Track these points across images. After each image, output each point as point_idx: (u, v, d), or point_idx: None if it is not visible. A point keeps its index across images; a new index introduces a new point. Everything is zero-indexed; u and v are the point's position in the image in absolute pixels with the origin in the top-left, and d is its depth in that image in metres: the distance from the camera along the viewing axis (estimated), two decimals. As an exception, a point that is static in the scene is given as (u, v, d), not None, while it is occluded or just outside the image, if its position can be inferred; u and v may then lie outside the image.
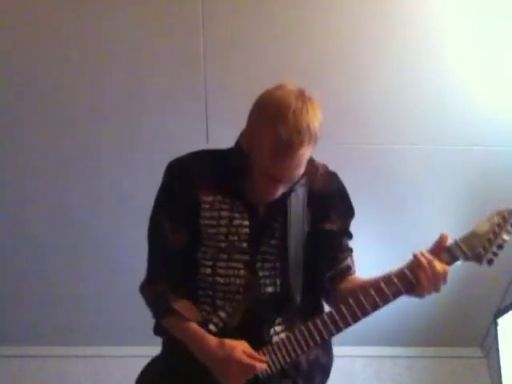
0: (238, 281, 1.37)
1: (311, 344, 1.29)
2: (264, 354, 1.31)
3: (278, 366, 1.29)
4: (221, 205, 1.39)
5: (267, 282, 1.38)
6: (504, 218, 1.39)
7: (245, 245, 1.37)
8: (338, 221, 1.47)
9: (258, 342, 1.32)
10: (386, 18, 2.30)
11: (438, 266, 1.28)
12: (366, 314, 1.31)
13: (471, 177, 2.70)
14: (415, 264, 1.30)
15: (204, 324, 1.39)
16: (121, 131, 2.61)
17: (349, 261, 1.50)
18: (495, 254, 1.37)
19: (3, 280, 3.07)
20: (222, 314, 1.38)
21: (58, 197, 2.81)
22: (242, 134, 1.40)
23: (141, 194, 2.77)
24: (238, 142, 1.43)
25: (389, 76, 2.42)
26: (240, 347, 1.28)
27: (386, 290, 1.30)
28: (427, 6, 2.26)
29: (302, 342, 1.29)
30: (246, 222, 1.38)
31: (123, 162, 2.70)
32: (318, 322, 1.30)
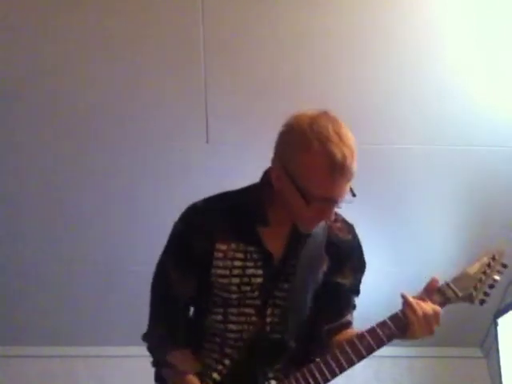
0: (250, 327, 1.35)
1: None
2: None
3: None
4: (235, 253, 1.35)
5: (276, 328, 1.37)
6: (494, 258, 1.41)
7: (256, 293, 1.35)
8: (350, 276, 1.46)
9: None
10: (385, 18, 2.29)
11: (428, 306, 1.29)
12: (360, 357, 1.31)
13: (471, 177, 2.70)
14: (405, 304, 1.31)
15: (206, 372, 1.38)
16: (120, 131, 2.60)
17: (349, 317, 1.49)
18: (487, 295, 1.39)
19: (3, 280, 3.07)
20: (227, 362, 1.37)
21: (58, 197, 2.81)
22: (270, 172, 1.33)
23: (141, 195, 2.79)
24: (262, 180, 1.39)
25: (389, 76, 2.41)
26: None
27: (380, 333, 1.30)
28: (427, 6, 2.26)
29: None
30: (260, 272, 1.34)
31: (123, 162, 2.70)
32: (314, 369, 1.29)
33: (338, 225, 1.44)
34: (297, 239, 1.36)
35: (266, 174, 1.36)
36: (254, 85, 2.41)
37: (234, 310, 1.36)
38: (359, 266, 1.49)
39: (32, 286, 3.08)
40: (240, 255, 1.34)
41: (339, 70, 2.44)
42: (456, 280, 1.37)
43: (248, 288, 1.34)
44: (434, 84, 2.45)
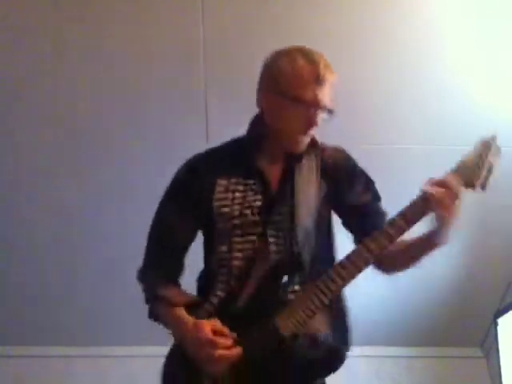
0: (251, 252, 1.38)
1: (329, 291, 1.27)
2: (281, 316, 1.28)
3: (294, 326, 1.26)
4: (235, 186, 1.43)
5: (281, 249, 1.38)
6: (488, 143, 1.41)
7: (257, 217, 1.39)
8: (368, 191, 1.56)
9: (274, 306, 1.30)
10: (385, 18, 2.30)
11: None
12: (382, 247, 1.30)
13: (471, 177, 2.70)
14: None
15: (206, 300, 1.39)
16: (120, 131, 2.61)
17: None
18: (486, 178, 1.36)
19: (3, 280, 3.07)
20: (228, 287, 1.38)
21: (58, 197, 2.81)
22: (259, 100, 1.49)
23: (141, 192, 2.79)
24: (251, 125, 1.53)
25: (389, 76, 2.42)
26: (208, 326, 1.26)
27: (400, 222, 1.34)
28: (427, 6, 2.26)
29: (322, 288, 1.28)
30: (259, 197, 1.41)
31: (122, 162, 2.70)
32: (337, 265, 1.31)
33: (329, 151, 1.53)
34: (290, 167, 1.45)
35: (255, 117, 1.51)
36: (254, 85, 2.41)
37: (237, 239, 1.39)
38: (369, 181, 1.59)
39: (32, 286, 3.08)
40: (240, 187, 1.43)
41: (339, 70, 2.44)
42: (454, 170, 1.38)
43: (248, 211, 1.39)
44: (433, 84, 2.45)
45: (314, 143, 1.49)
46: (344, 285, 1.29)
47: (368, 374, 3.18)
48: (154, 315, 1.48)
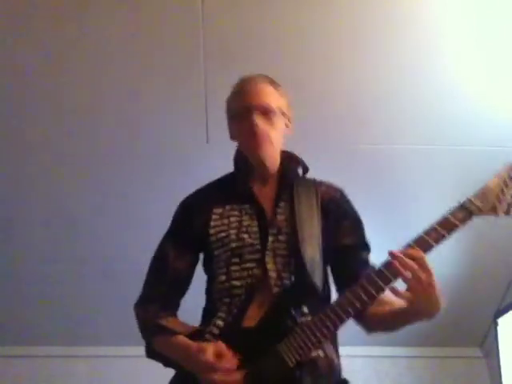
0: (253, 280, 1.35)
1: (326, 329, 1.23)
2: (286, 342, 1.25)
3: (296, 354, 1.22)
4: (230, 212, 1.44)
5: (282, 275, 1.35)
6: None
7: (256, 241, 1.38)
8: (352, 234, 1.49)
9: (283, 334, 1.26)
10: (385, 18, 2.29)
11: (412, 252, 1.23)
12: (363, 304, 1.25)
13: (471, 177, 2.69)
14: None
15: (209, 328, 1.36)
16: (120, 131, 2.61)
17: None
18: (510, 205, 1.35)
19: (3, 280, 3.07)
20: (233, 311, 1.36)
21: (58, 197, 2.81)
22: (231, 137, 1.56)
23: (141, 195, 2.79)
24: (236, 149, 1.56)
25: (389, 76, 2.42)
26: (211, 349, 1.23)
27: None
28: (427, 7, 2.26)
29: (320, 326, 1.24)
30: (255, 222, 1.40)
31: (122, 162, 2.70)
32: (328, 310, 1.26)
33: (323, 188, 1.51)
34: (283, 191, 1.46)
35: (236, 149, 1.56)
36: (254, 85, 2.41)
37: (235, 267, 1.38)
38: (357, 223, 1.52)
39: (32, 286, 3.08)
40: (235, 213, 1.44)
41: (339, 70, 2.44)
42: (477, 194, 1.35)
43: (246, 235, 1.39)
44: (434, 84, 2.45)
45: (292, 159, 1.53)
46: (346, 318, 1.24)
47: (368, 373, 3.18)
48: (152, 351, 1.46)
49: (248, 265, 1.37)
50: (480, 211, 1.33)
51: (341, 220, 1.48)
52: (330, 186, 1.54)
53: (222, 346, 1.25)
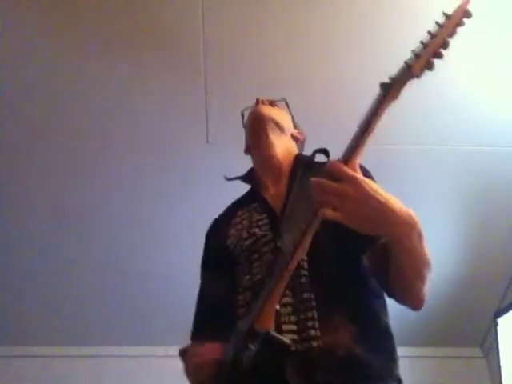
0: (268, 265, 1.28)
1: None
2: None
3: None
4: (242, 216, 1.43)
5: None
6: (448, 16, 1.10)
7: (267, 232, 1.33)
8: None
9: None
10: (386, 19, 2.30)
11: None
12: None
13: (472, 177, 2.70)
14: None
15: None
16: (121, 132, 2.61)
17: None
18: (439, 55, 1.08)
19: (3, 280, 3.07)
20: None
21: (59, 198, 2.81)
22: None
23: (141, 195, 2.79)
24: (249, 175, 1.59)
25: (389, 76, 2.41)
26: (205, 350, 1.21)
27: None
28: (428, 7, 2.26)
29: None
30: (264, 215, 1.38)
31: (123, 162, 2.70)
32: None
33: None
34: (293, 186, 1.40)
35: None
36: (254, 85, 2.41)
37: (256, 264, 1.32)
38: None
39: (32, 286, 3.08)
40: (246, 215, 1.42)
41: (339, 70, 2.44)
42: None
43: (257, 229, 1.35)
44: (434, 84, 2.44)
45: (305, 157, 1.51)
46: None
47: (368, 374, 3.18)
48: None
49: (266, 257, 1.30)
50: (394, 82, 1.13)
51: None
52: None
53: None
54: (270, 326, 1.08)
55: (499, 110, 2.51)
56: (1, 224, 2.90)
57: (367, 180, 1.00)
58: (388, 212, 1.01)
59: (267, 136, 1.50)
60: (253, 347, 1.07)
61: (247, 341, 1.09)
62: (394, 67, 1.08)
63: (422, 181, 2.73)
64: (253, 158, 1.60)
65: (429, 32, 1.09)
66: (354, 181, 0.98)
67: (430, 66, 1.10)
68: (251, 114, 1.58)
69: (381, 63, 2.39)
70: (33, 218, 2.88)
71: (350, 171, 0.99)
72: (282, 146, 1.51)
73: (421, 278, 1.17)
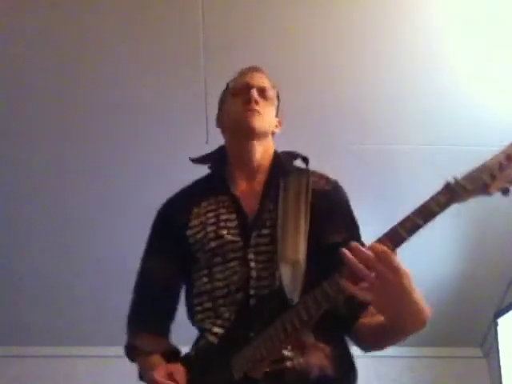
0: (235, 278, 1.24)
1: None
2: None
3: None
4: (207, 208, 1.35)
5: (263, 275, 1.22)
6: None
7: (236, 238, 1.27)
8: (343, 231, 1.31)
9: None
10: (386, 19, 2.30)
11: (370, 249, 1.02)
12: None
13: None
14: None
15: (208, 332, 1.25)
16: (121, 132, 2.60)
17: None
18: (506, 188, 1.06)
19: (3, 280, 3.07)
20: (227, 315, 1.24)
21: (59, 197, 2.81)
22: (217, 120, 1.63)
23: (141, 195, 2.79)
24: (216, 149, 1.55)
25: (390, 77, 2.42)
26: (163, 369, 1.19)
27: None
28: (428, 7, 2.26)
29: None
30: (234, 216, 1.31)
31: (124, 162, 2.70)
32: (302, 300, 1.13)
33: (316, 179, 1.39)
34: (270, 188, 1.36)
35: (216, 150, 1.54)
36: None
37: (218, 268, 1.27)
38: (350, 221, 1.37)
39: (32, 286, 3.08)
40: (212, 207, 1.35)
41: (339, 70, 2.44)
42: (467, 174, 1.13)
43: (225, 231, 1.28)
44: (435, 84, 2.45)
45: (287, 154, 1.46)
46: (306, 323, 1.08)
47: (368, 373, 3.17)
48: (139, 373, 1.42)
49: (231, 264, 1.26)
50: (466, 192, 1.11)
51: (330, 215, 1.32)
52: (323, 177, 1.41)
53: (176, 367, 1.20)
54: (261, 374, 1.09)
55: (499, 110, 2.51)
56: (1, 224, 2.90)
57: (408, 274, 1.02)
58: (413, 311, 1.05)
59: (253, 147, 1.42)
60: None
61: None
62: (394, 67, 1.07)
63: (421, 181, 2.73)
64: (226, 141, 1.52)
65: (505, 152, 1.11)
66: (398, 273, 1.00)
67: (506, 192, 1.08)
68: (241, 120, 1.43)
69: (381, 63, 2.40)
70: (33, 217, 2.88)
71: (397, 262, 1.01)
72: (262, 148, 1.44)
73: (390, 345, 1.25)
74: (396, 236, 1.06)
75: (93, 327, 3.21)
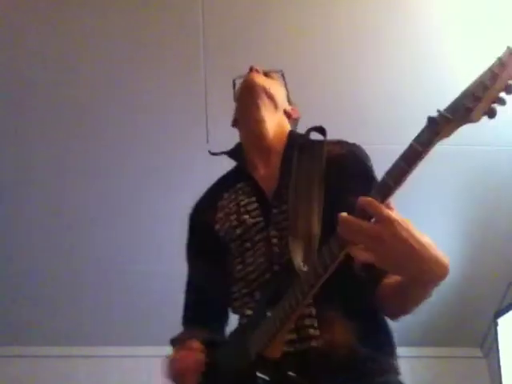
0: (262, 258, 1.21)
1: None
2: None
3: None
4: (229, 199, 1.35)
5: (285, 251, 1.17)
6: (502, 65, 0.93)
7: (258, 219, 1.26)
8: (360, 192, 1.13)
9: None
10: (386, 19, 2.30)
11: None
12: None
13: (472, 176, 2.70)
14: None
15: (242, 315, 1.24)
16: (121, 132, 2.61)
17: None
18: (502, 101, 0.94)
19: (3, 280, 3.07)
20: (258, 297, 1.20)
21: (60, 197, 2.81)
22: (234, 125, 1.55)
23: (142, 195, 2.79)
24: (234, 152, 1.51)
25: (390, 76, 2.42)
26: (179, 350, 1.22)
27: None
28: (428, 7, 2.26)
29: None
30: (253, 198, 1.30)
31: (124, 162, 2.70)
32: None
33: (331, 147, 1.35)
34: (287, 165, 1.31)
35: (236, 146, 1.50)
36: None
37: (249, 253, 1.25)
38: (366, 181, 1.25)
39: (32, 286, 3.08)
40: (232, 196, 1.35)
41: (339, 70, 2.44)
42: (449, 104, 1.01)
43: (247, 216, 1.27)
44: (434, 84, 2.45)
45: (300, 135, 1.40)
46: (313, 287, 1.00)
47: (368, 374, 3.18)
48: None
49: (258, 245, 1.24)
50: (449, 122, 0.98)
51: (345, 178, 1.25)
52: (339, 143, 1.36)
53: (192, 345, 1.20)
54: (279, 354, 1.04)
55: (499, 110, 2.51)
56: (1, 224, 2.90)
57: (404, 221, 0.93)
58: (419, 261, 0.95)
59: (258, 109, 1.39)
60: (262, 376, 1.03)
61: (255, 368, 1.04)
62: (394, 67, 1.07)
63: (421, 181, 2.73)
64: (240, 132, 1.49)
65: (490, 69, 0.93)
66: (389, 223, 0.91)
67: (491, 114, 0.96)
68: (243, 82, 1.46)
69: (381, 63, 2.40)
70: (31, 217, 2.88)
71: (385, 211, 0.92)
72: (274, 123, 1.40)
73: (416, 305, 1.13)
74: (383, 186, 0.97)
75: (93, 327, 3.21)
